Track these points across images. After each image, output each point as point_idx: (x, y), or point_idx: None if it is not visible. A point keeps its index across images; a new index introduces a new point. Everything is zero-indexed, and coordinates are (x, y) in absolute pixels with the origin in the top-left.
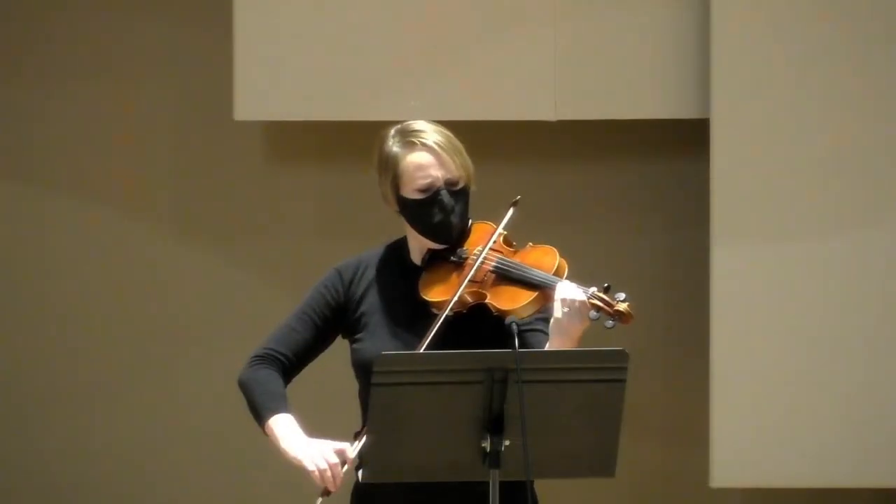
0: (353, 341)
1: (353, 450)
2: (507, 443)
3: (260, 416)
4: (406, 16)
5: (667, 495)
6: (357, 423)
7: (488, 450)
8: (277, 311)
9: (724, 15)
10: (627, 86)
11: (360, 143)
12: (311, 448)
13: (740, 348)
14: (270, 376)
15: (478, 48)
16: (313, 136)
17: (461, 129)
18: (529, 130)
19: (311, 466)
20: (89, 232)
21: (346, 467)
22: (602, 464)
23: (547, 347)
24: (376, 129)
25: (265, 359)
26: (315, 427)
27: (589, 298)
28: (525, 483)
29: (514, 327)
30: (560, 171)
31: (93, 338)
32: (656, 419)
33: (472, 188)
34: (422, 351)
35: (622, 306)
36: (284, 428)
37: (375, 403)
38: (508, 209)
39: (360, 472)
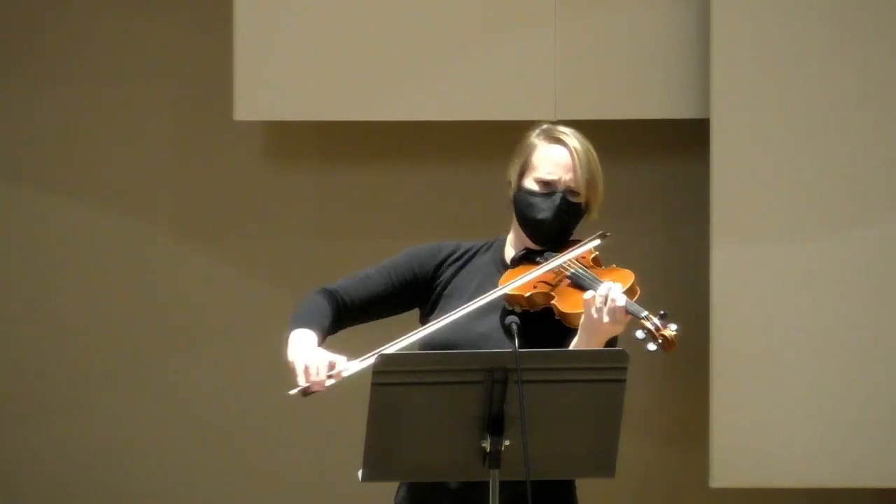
0: (424, 322)
1: (347, 364)
2: (507, 443)
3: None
4: (406, 16)
5: (667, 495)
6: (360, 419)
7: (488, 450)
8: (277, 311)
9: (724, 15)
10: (627, 86)
11: (360, 143)
12: (304, 351)
13: (740, 348)
14: (318, 304)
15: (478, 48)
16: (313, 136)
17: (461, 129)
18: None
19: (298, 364)
20: (89, 232)
21: (332, 381)
22: (602, 464)
23: (573, 343)
24: (376, 130)
25: (324, 292)
26: (316, 424)
27: (642, 319)
28: (562, 484)
29: (515, 327)
30: None
31: (92, 337)
32: (656, 419)
33: (593, 216)
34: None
35: (670, 333)
36: (295, 337)
37: (375, 403)
38: (595, 239)
39: (360, 473)
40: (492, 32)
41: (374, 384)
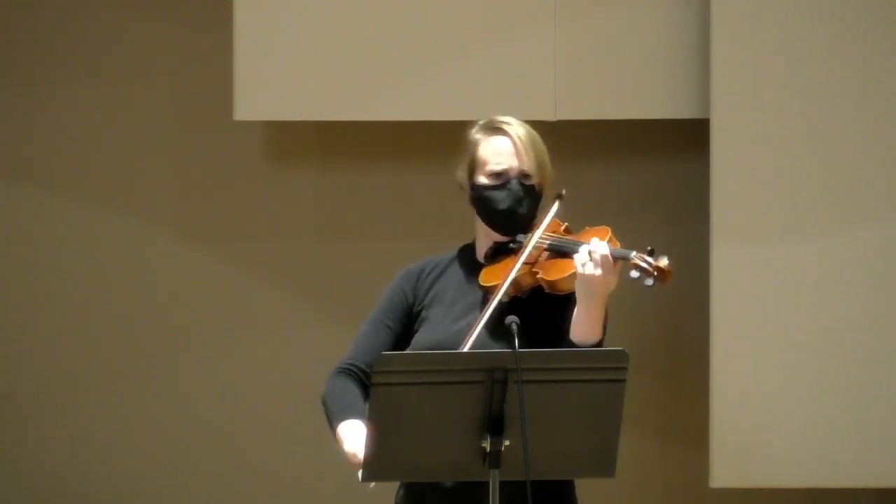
0: (412, 337)
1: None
2: (507, 443)
3: (332, 428)
4: (406, 16)
5: (667, 495)
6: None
7: (488, 450)
8: (277, 311)
9: (724, 15)
10: (627, 86)
11: (360, 143)
12: (358, 440)
13: (740, 348)
14: (346, 388)
15: (478, 48)
16: (313, 136)
17: (461, 129)
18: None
19: (353, 459)
20: (88, 232)
21: None
22: (602, 464)
23: (575, 314)
24: (376, 129)
25: (342, 373)
26: (317, 424)
27: (632, 259)
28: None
29: (515, 327)
30: (560, 171)
31: (92, 338)
32: (656, 419)
33: (546, 193)
34: (472, 338)
35: (663, 262)
36: (346, 429)
37: (375, 403)
38: (554, 202)
39: (360, 473)
40: (492, 32)
41: (374, 384)
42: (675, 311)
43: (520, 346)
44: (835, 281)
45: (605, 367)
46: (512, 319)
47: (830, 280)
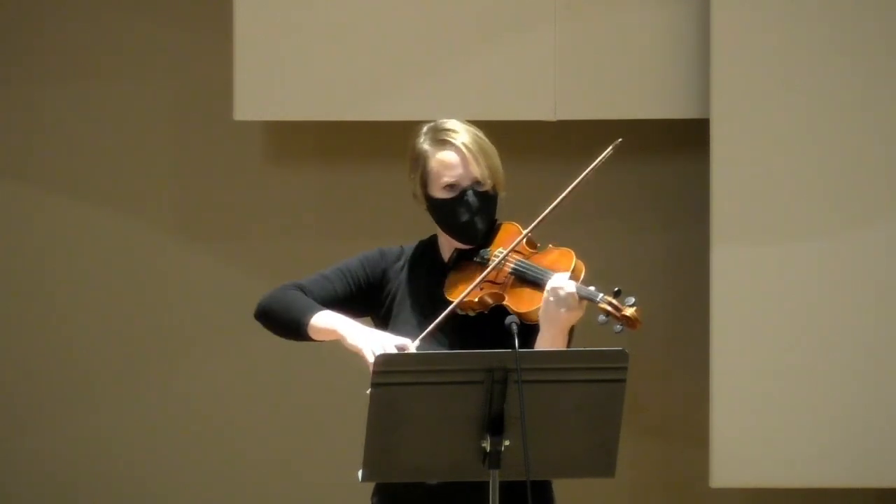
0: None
1: (413, 345)
2: (507, 443)
3: (299, 320)
4: (406, 16)
5: (667, 495)
6: (360, 419)
7: (488, 450)
8: None
9: (724, 15)
10: (627, 86)
11: (360, 143)
12: (372, 337)
13: (740, 348)
14: (298, 293)
15: (478, 48)
16: (313, 136)
17: None
18: (529, 130)
19: (370, 357)
20: (89, 232)
21: None
22: (602, 464)
23: (538, 338)
24: (376, 129)
25: (297, 288)
26: (317, 424)
27: (598, 303)
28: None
29: (514, 327)
30: (560, 171)
31: (93, 338)
32: (656, 419)
33: (502, 194)
34: (419, 342)
35: (630, 311)
36: (335, 317)
37: (375, 403)
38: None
39: (359, 473)
40: (492, 32)
41: (374, 384)
42: (675, 311)
43: None
44: (835, 281)
45: (605, 367)
46: (512, 319)
47: (830, 280)
